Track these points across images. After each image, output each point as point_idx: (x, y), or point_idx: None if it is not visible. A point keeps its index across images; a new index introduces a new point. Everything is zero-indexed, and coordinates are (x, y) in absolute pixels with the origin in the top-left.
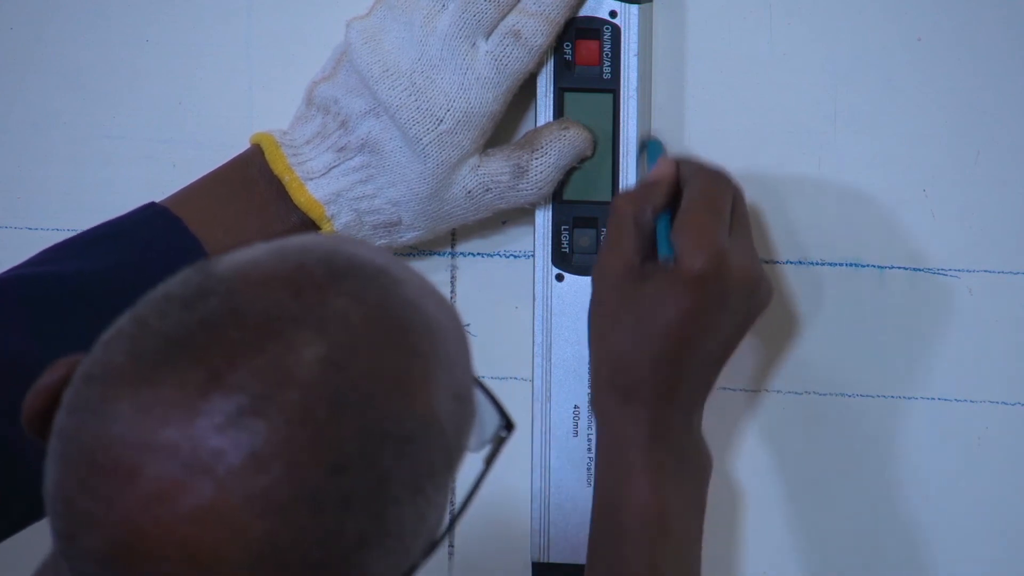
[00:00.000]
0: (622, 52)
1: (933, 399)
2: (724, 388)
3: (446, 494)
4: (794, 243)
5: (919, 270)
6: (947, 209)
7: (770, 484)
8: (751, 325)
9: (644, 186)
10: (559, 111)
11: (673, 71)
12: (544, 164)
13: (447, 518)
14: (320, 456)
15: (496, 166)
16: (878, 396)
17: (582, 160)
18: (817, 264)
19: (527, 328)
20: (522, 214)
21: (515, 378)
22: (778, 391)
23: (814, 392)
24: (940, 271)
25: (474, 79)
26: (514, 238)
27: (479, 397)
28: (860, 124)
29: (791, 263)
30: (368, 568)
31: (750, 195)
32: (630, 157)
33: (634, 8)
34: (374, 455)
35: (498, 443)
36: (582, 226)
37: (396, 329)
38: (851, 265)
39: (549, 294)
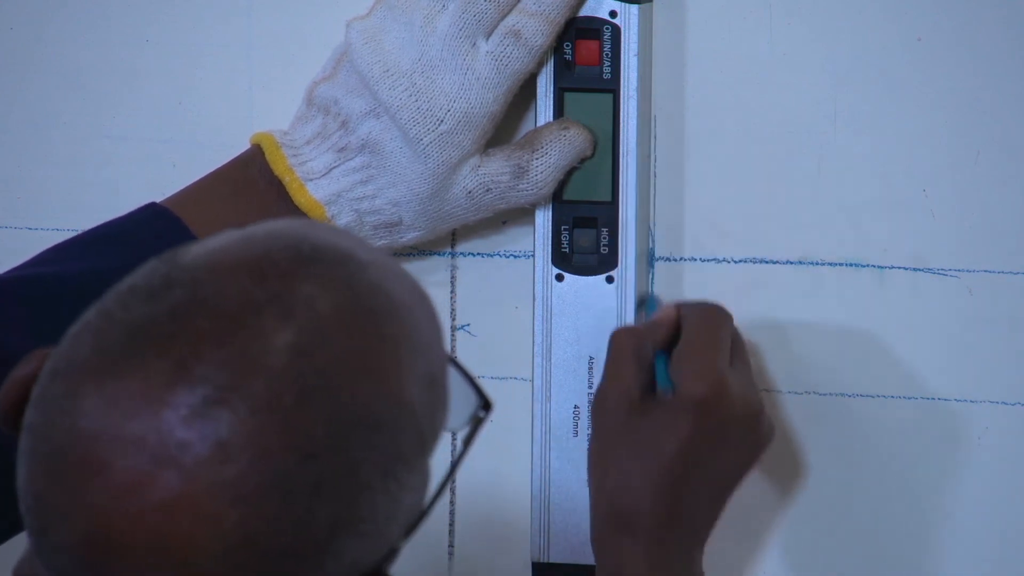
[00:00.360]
0: (622, 52)
1: (933, 399)
2: None
3: (421, 476)
4: (794, 243)
5: (919, 270)
6: (947, 209)
7: (769, 484)
8: (754, 463)
9: (645, 324)
10: (559, 111)
11: (673, 71)
12: (544, 164)
13: (427, 499)
14: (289, 444)
15: (496, 166)
16: (878, 396)
17: (582, 160)
18: (817, 264)
19: (527, 328)
20: (522, 214)
21: (515, 378)
22: (778, 391)
23: (814, 392)
24: (940, 271)
25: (474, 79)
26: (514, 238)
27: (455, 378)
28: (860, 124)
29: (791, 263)
30: (343, 554)
31: (751, 195)
32: (630, 157)
33: (634, 8)
34: (344, 442)
35: (476, 423)
36: (582, 226)
37: (364, 314)
38: (851, 265)
39: (549, 294)
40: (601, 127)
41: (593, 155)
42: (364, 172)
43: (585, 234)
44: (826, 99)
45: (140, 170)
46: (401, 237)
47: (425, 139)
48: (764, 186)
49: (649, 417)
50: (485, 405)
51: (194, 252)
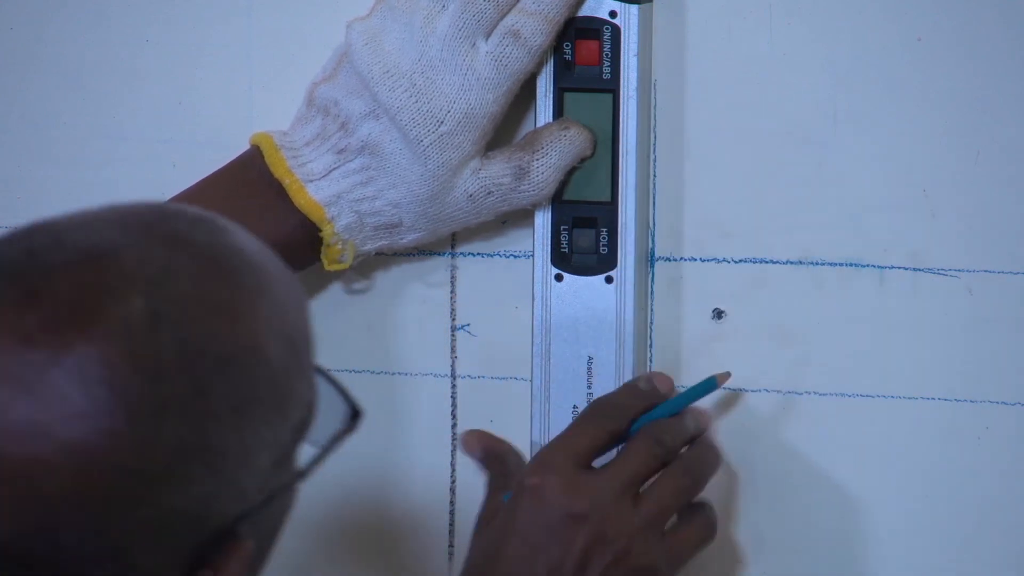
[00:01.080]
0: (622, 52)
1: (933, 399)
2: (724, 388)
3: (279, 442)
4: (794, 243)
5: (919, 270)
6: (947, 209)
7: (769, 484)
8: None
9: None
10: (559, 111)
11: (673, 71)
12: (545, 165)
13: (292, 475)
14: (137, 366)
15: (497, 168)
16: (878, 396)
17: (582, 160)
18: (817, 264)
19: (527, 328)
20: (522, 214)
21: (515, 378)
22: (778, 391)
23: (814, 392)
24: (940, 271)
25: (474, 80)
26: (514, 238)
27: (327, 388)
28: (860, 124)
29: (791, 263)
30: (190, 484)
31: (751, 195)
32: (630, 157)
33: (634, 8)
34: (192, 367)
35: (347, 428)
36: (581, 226)
37: (220, 262)
38: (851, 265)
39: (548, 294)
40: (601, 127)
41: (593, 155)
42: (364, 174)
43: (584, 234)
44: (826, 99)
45: (140, 170)
46: (401, 239)
47: (425, 140)
48: (764, 186)
49: (507, 501)
50: (354, 415)
51: (63, 214)
